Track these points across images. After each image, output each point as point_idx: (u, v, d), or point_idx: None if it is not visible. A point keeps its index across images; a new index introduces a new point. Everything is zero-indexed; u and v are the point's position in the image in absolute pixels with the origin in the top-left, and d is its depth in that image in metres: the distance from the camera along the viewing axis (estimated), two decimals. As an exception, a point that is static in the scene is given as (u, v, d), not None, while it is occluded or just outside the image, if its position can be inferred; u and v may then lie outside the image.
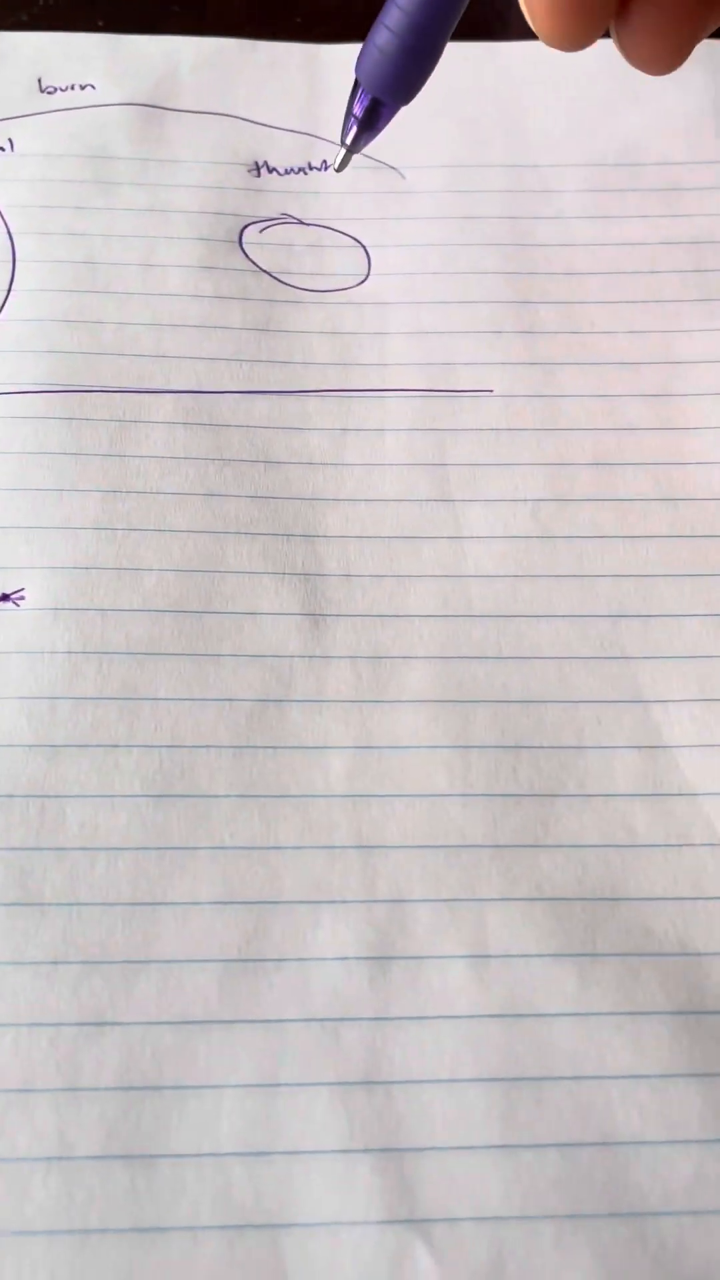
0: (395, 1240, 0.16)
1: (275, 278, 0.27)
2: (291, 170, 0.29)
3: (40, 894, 0.19)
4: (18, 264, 0.27)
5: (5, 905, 0.19)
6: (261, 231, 0.28)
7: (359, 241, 0.28)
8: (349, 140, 0.23)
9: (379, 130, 0.23)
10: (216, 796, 0.20)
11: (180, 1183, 0.17)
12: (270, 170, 0.29)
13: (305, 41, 0.33)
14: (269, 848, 0.19)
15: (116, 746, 0.20)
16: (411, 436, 0.25)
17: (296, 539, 0.23)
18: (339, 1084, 0.17)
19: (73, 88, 0.30)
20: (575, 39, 0.21)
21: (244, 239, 0.28)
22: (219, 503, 0.23)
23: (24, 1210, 0.16)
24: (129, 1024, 0.18)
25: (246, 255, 0.27)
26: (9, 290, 0.26)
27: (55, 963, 0.18)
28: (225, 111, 0.30)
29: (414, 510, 0.24)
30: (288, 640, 0.22)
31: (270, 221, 0.28)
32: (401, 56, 0.21)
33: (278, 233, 0.28)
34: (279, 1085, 0.17)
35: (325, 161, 0.29)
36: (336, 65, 0.31)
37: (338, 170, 0.24)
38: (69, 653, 0.21)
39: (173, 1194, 0.16)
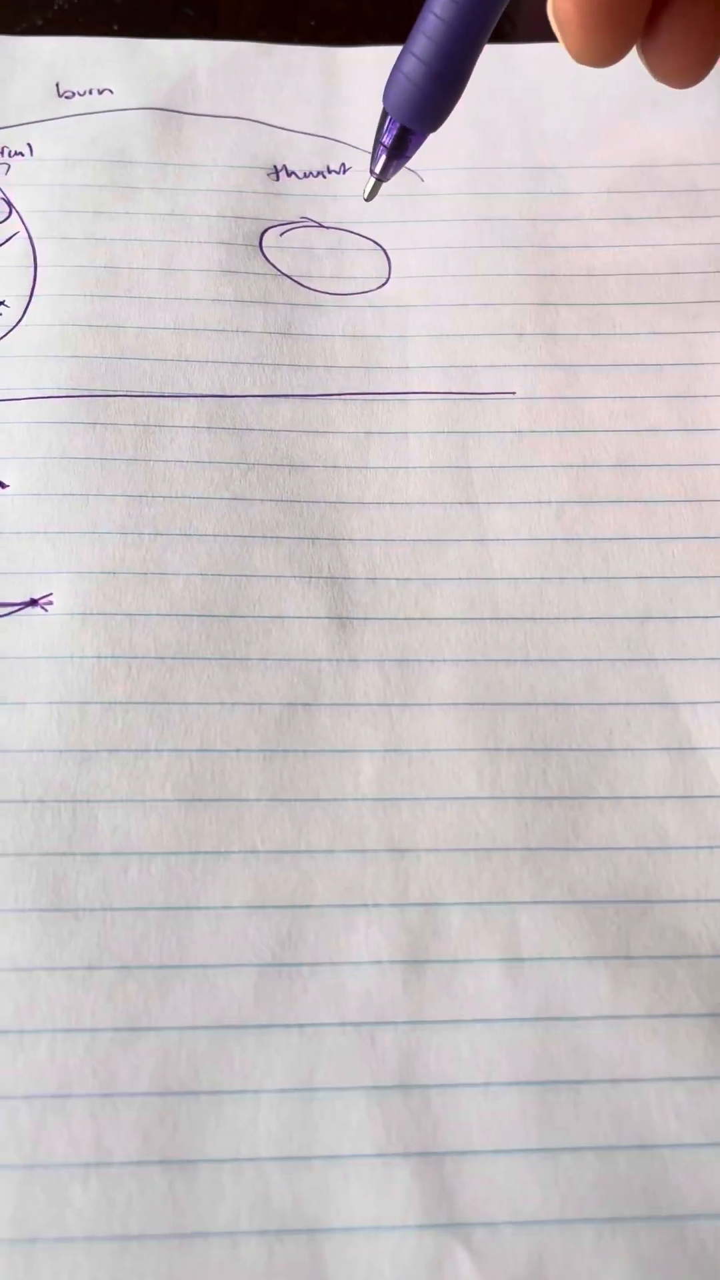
0: (434, 1244, 0.16)
1: (296, 281, 0.27)
2: (310, 174, 0.29)
3: (74, 899, 0.19)
4: (39, 269, 0.27)
5: (39, 911, 0.19)
6: (281, 235, 0.28)
7: (379, 244, 0.28)
8: (378, 169, 0.23)
9: (408, 158, 0.23)
10: (247, 800, 0.20)
11: (219, 1188, 0.17)
12: (289, 174, 0.29)
13: (317, 44, 0.34)
14: (301, 851, 0.19)
15: (147, 751, 0.20)
16: (435, 439, 0.25)
17: (322, 542, 0.23)
18: (375, 1088, 0.17)
19: (90, 92, 0.30)
20: (605, 55, 0.21)
21: (264, 242, 0.28)
22: (244, 506, 0.23)
23: (64, 1217, 0.16)
24: (164, 1029, 0.18)
25: (267, 259, 0.27)
26: (31, 295, 0.26)
27: (90, 968, 0.18)
28: (243, 115, 0.30)
29: (438, 513, 0.24)
30: (315, 644, 0.22)
31: (290, 225, 0.28)
32: (430, 84, 0.21)
33: (298, 236, 0.28)
34: (315, 1090, 0.17)
35: (344, 164, 0.29)
36: (352, 69, 0.31)
37: (367, 199, 0.24)
38: (98, 657, 0.21)
39: (212, 1199, 0.16)
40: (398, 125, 0.22)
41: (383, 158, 0.23)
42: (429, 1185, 0.17)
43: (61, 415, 0.24)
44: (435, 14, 0.21)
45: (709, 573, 0.23)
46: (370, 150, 0.23)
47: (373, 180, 0.24)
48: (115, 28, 0.34)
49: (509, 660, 0.22)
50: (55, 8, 0.35)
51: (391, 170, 0.23)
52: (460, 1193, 0.17)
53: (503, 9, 0.21)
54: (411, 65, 0.21)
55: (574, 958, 0.18)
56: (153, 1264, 0.16)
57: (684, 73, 0.22)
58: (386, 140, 0.22)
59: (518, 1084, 0.17)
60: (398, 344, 0.26)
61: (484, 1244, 0.16)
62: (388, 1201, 0.16)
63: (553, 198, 0.29)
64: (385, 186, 0.29)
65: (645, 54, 0.21)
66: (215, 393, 0.25)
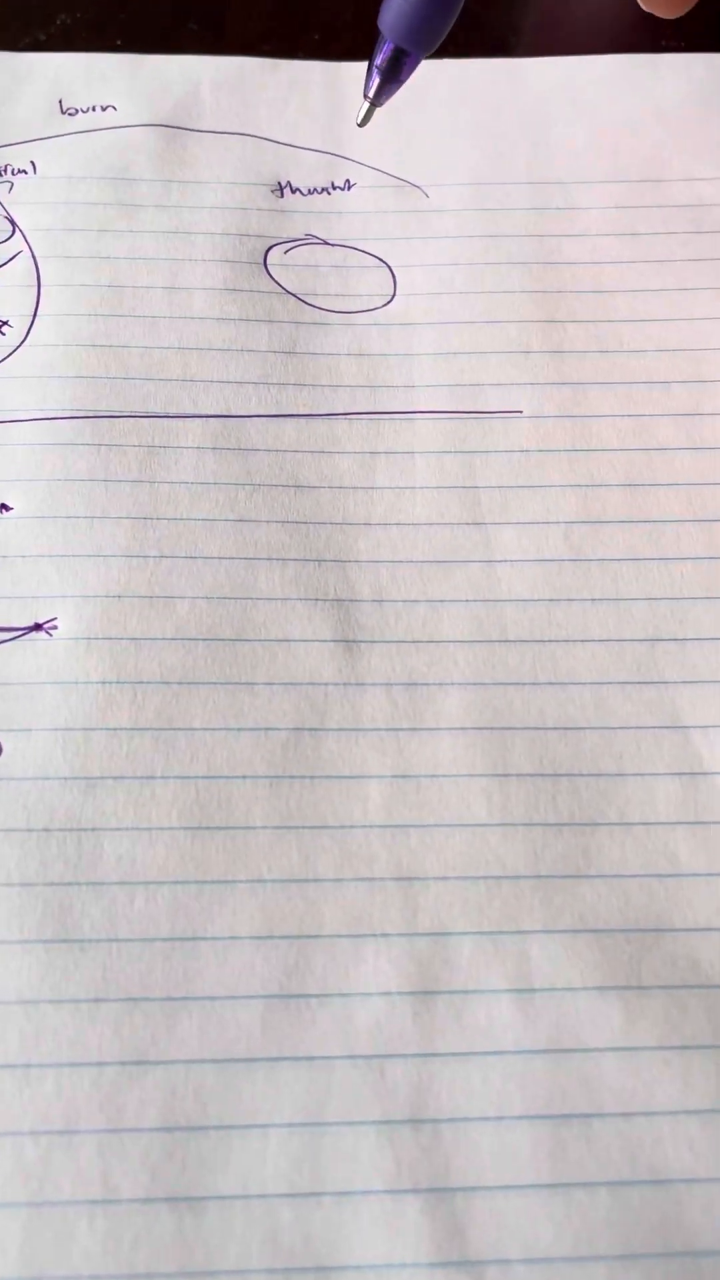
0: (446, 1283, 0.16)
1: (301, 299, 0.27)
2: (315, 190, 0.29)
3: (79, 930, 0.19)
4: (43, 288, 0.27)
5: (44, 942, 0.18)
6: (286, 252, 0.28)
7: (384, 262, 0.28)
8: (371, 93, 0.24)
9: (402, 81, 0.23)
10: (254, 828, 0.20)
11: (228, 1225, 0.16)
12: (294, 190, 0.29)
13: (323, 58, 0.33)
14: (308, 880, 0.19)
15: (153, 778, 0.20)
16: (441, 459, 0.24)
17: (328, 564, 0.23)
18: (385, 1122, 0.17)
19: (94, 109, 0.30)
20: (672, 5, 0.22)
21: (269, 260, 0.28)
22: (250, 528, 0.23)
23: (71, 1255, 0.16)
24: (171, 1062, 0.17)
25: (271, 277, 0.27)
26: (34, 315, 0.26)
27: (96, 1000, 0.18)
28: (247, 131, 0.30)
29: (445, 534, 0.23)
30: (321, 667, 0.22)
31: (295, 242, 0.28)
32: (425, 4, 0.22)
33: (302, 254, 0.28)
34: (325, 1124, 0.17)
35: (349, 180, 0.29)
36: (357, 84, 0.31)
37: (360, 124, 0.24)
38: (103, 683, 0.21)
39: (221, 1237, 0.16)
40: (392, 47, 0.23)
41: (377, 80, 0.23)
42: (440, 1222, 0.16)
43: (66, 437, 0.24)
44: None
45: (719, 594, 0.23)
46: (365, 74, 0.24)
47: (366, 104, 0.24)
48: (119, 43, 0.34)
49: (518, 683, 0.21)
50: (58, 23, 0.35)
51: (385, 94, 0.24)
52: (472, 1229, 0.16)
53: None
54: None
55: (585, 988, 0.18)
56: (161, 1304, 0.16)
57: (671, 1, 0.23)
58: (380, 62, 0.23)
59: (529, 1117, 0.17)
60: (403, 362, 0.26)
61: (496, 1283, 0.16)
62: (399, 1238, 0.16)
63: (559, 213, 0.28)
64: (390, 203, 0.29)
65: None
66: (220, 413, 0.25)
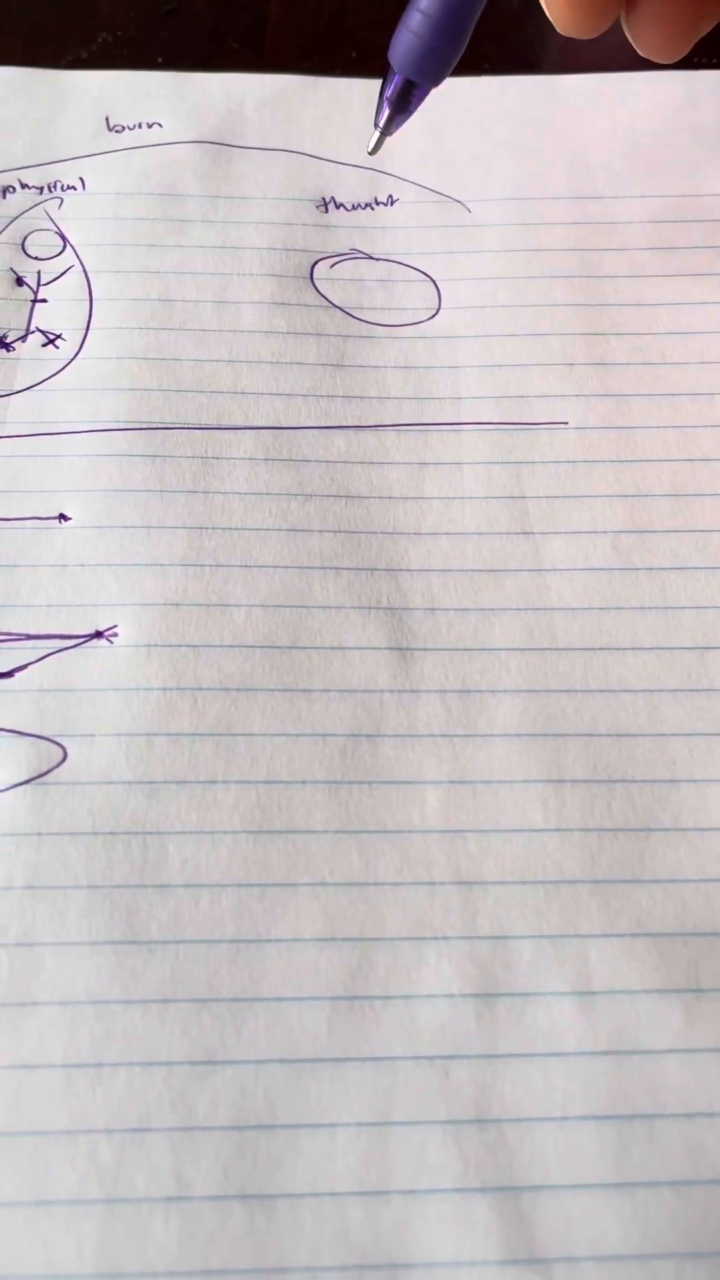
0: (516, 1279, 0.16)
1: (347, 313, 0.27)
2: (358, 205, 0.29)
3: (147, 931, 0.19)
4: (95, 302, 0.27)
5: (113, 943, 0.19)
6: (332, 267, 0.28)
7: (428, 276, 0.28)
8: (382, 123, 0.25)
9: (411, 111, 0.24)
10: (314, 832, 0.20)
11: (299, 1223, 0.17)
12: (338, 206, 0.29)
13: (360, 76, 0.34)
14: (369, 884, 0.20)
15: (214, 782, 0.20)
16: (489, 469, 0.25)
17: (380, 573, 0.23)
18: (451, 1122, 0.17)
19: (140, 126, 0.31)
20: (587, 27, 0.23)
21: (315, 274, 0.28)
22: (302, 538, 0.24)
23: (146, 1251, 0.16)
24: (240, 1062, 0.18)
25: (318, 290, 0.28)
26: (87, 328, 0.27)
27: (165, 1001, 0.18)
28: (290, 148, 0.31)
29: (495, 543, 0.24)
30: (377, 674, 0.22)
31: (340, 257, 0.28)
32: (433, 39, 0.23)
33: (348, 268, 0.28)
34: (392, 1124, 0.17)
35: (391, 196, 0.30)
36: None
37: (371, 153, 0.25)
38: (163, 689, 0.21)
39: (292, 1234, 0.17)
40: (401, 79, 0.24)
41: (387, 111, 0.24)
42: (508, 1220, 0.17)
43: (120, 448, 0.25)
44: None
45: (766, 602, 0.23)
46: (375, 104, 0.25)
47: (376, 133, 0.25)
48: (160, 60, 0.35)
49: (569, 690, 0.22)
50: (99, 41, 0.35)
51: (395, 124, 0.25)
52: (539, 1227, 0.17)
53: None
54: (417, 21, 0.23)
55: (645, 991, 0.18)
56: (235, 1299, 0.16)
57: (664, 47, 0.23)
58: (390, 94, 0.24)
59: (593, 1118, 0.17)
60: (449, 375, 0.26)
61: (565, 1279, 0.16)
62: (468, 1236, 0.17)
63: (598, 227, 0.29)
64: (433, 218, 0.29)
65: (628, 28, 0.23)
66: (271, 424, 0.25)
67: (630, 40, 0.23)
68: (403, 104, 0.24)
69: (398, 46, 0.23)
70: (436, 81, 0.24)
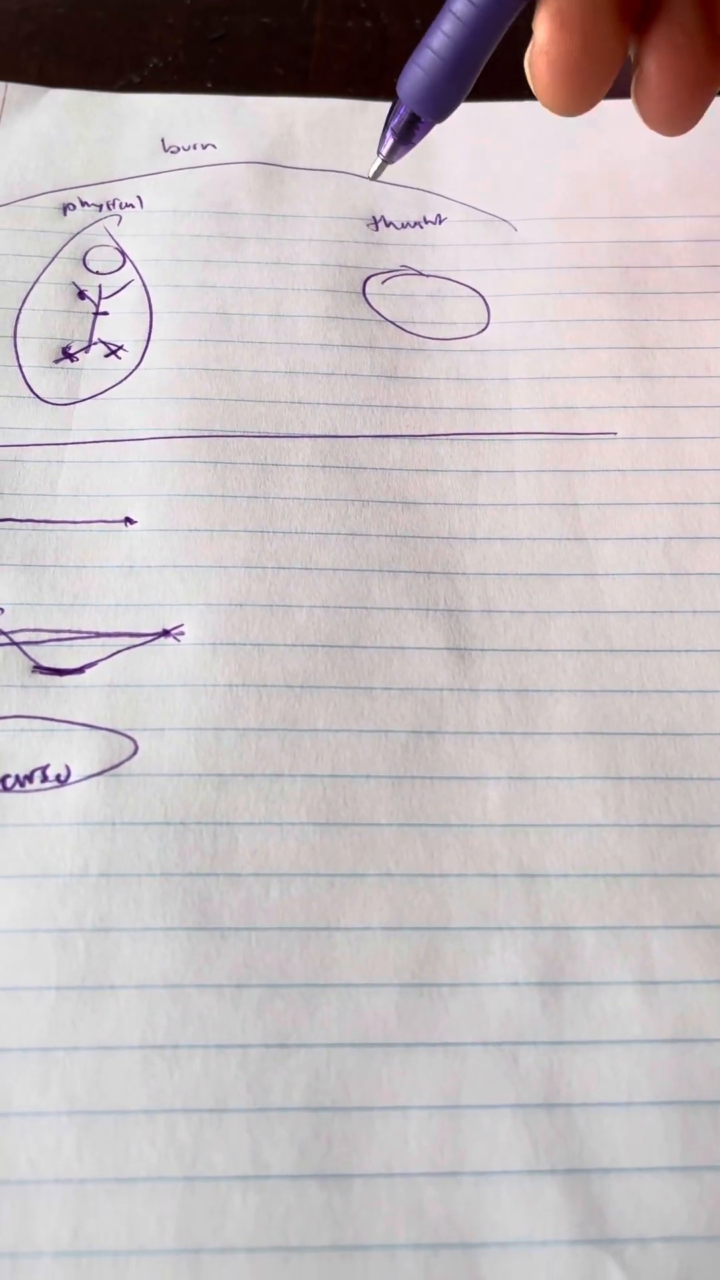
0: (588, 1260, 0.17)
1: (400, 327, 0.28)
2: (408, 224, 0.30)
3: (219, 919, 0.19)
4: (155, 315, 0.28)
5: (187, 930, 0.19)
6: (383, 283, 0.29)
7: (477, 291, 0.29)
8: (385, 150, 0.25)
9: (414, 144, 0.25)
10: (379, 825, 0.21)
11: (374, 1202, 0.17)
12: (388, 224, 0.30)
13: (403, 100, 0.35)
14: (434, 875, 0.20)
15: (281, 776, 0.21)
16: (540, 477, 0.25)
17: (437, 576, 0.24)
18: (520, 1106, 0.18)
19: (194, 147, 0.32)
20: (574, 107, 0.24)
21: (367, 290, 0.29)
22: (360, 542, 0.24)
23: (225, 1227, 0.17)
24: (313, 1046, 0.18)
25: (370, 305, 0.29)
26: (148, 340, 0.27)
27: (239, 986, 0.19)
28: (340, 168, 0.32)
29: (548, 548, 0.24)
30: (436, 673, 0.22)
31: (391, 273, 0.29)
32: (442, 78, 0.24)
33: (399, 284, 0.29)
34: (462, 1107, 0.18)
35: (439, 215, 0.30)
36: (442, 124, 0.33)
37: (371, 178, 0.26)
38: (229, 685, 0.22)
39: (368, 1213, 0.17)
40: (407, 111, 0.24)
41: (390, 141, 0.25)
42: (578, 1201, 0.17)
43: (183, 455, 0.25)
44: (454, 13, 0.23)
45: None
46: (380, 131, 0.25)
47: (379, 160, 0.26)
48: (209, 85, 0.36)
49: (625, 691, 0.22)
50: (150, 66, 0.37)
51: (398, 154, 0.25)
52: (610, 1209, 0.17)
53: (514, 17, 0.23)
54: (427, 58, 0.24)
55: (707, 980, 0.19)
56: (314, 1275, 0.16)
57: (673, 122, 0.24)
58: (395, 125, 0.25)
59: (659, 1103, 0.18)
60: (500, 386, 0.27)
61: (635, 1260, 0.17)
62: (539, 1217, 0.17)
63: (642, 245, 0.30)
64: (481, 237, 0.30)
65: (637, 104, 0.24)
66: (327, 433, 0.26)
67: (639, 115, 0.24)
68: (406, 135, 0.25)
69: (407, 80, 0.24)
70: (441, 118, 0.25)
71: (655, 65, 0.23)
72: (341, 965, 0.19)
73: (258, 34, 0.38)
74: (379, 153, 0.25)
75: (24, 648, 0.22)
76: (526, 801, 0.21)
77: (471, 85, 0.24)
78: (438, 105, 0.24)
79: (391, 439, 0.26)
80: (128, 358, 0.27)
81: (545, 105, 0.23)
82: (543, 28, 0.22)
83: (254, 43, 0.38)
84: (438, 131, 0.33)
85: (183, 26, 0.38)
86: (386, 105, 0.36)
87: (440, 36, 0.23)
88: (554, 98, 0.23)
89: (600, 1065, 0.18)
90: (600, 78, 0.23)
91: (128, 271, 0.29)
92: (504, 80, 0.36)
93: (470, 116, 0.33)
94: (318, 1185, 0.17)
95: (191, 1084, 0.18)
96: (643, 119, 0.24)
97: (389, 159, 0.26)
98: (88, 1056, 0.18)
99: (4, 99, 0.33)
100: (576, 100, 0.23)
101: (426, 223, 0.30)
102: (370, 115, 0.33)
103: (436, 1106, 0.18)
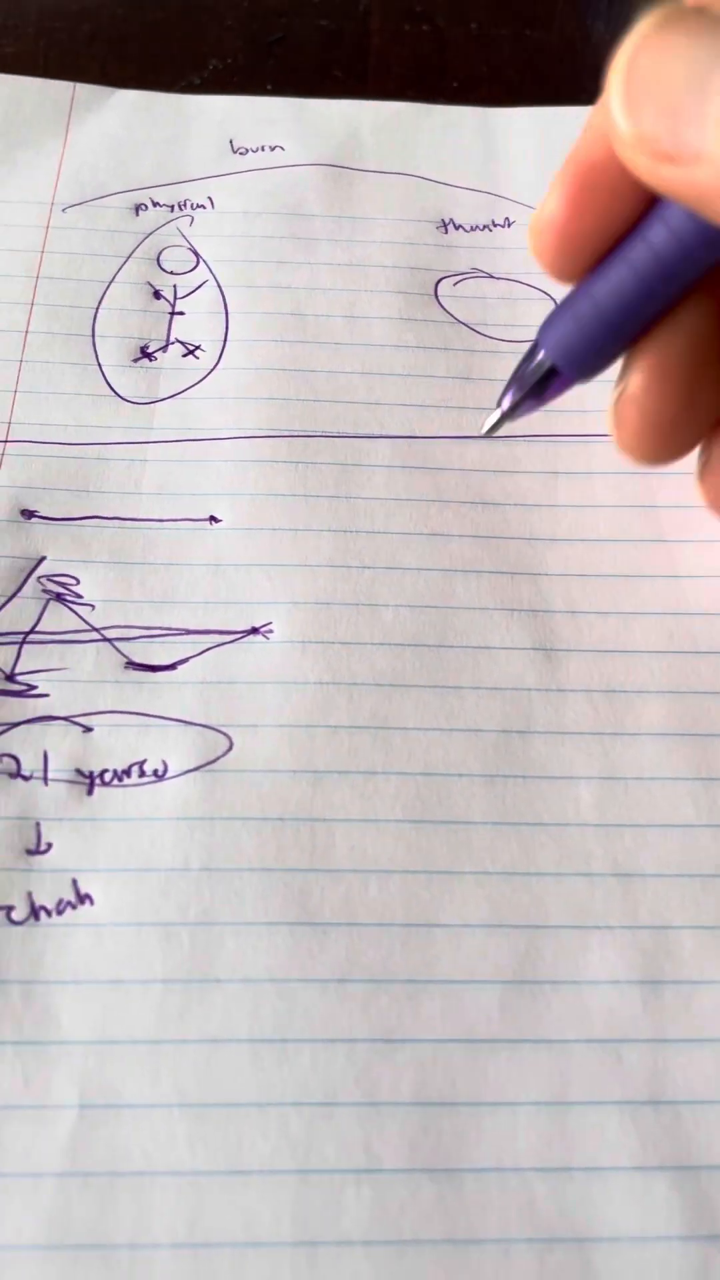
0: (700, 1255, 0.17)
1: (472, 329, 0.28)
2: (477, 227, 0.31)
3: (320, 914, 0.20)
4: (230, 315, 0.28)
5: (289, 924, 0.19)
6: (455, 285, 0.29)
7: (548, 295, 0.29)
8: (507, 404, 0.21)
9: (546, 402, 0.21)
10: (474, 823, 0.21)
11: (486, 1196, 0.17)
12: (457, 227, 0.30)
13: (465, 104, 0.35)
14: (530, 874, 0.20)
15: (374, 773, 0.21)
16: (619, 479, 0.26)
17: (521, 577, 0.24)
18: (626, 1103, 0.18)
19: (263, 149, 0.32)
20: (662, 460, 0.20)
21: (439, 292, 0.29)
22: (443, 542, 0.24)
23: (341, 1221, 0.17)
24: (419, 1041, 0.18)
25: (443, 307, 0.29)
26: (225, 340, 0.28)
27: (342, 981, 0.19)
28: (407, 171, 0.32)
29: (630, 550, 0.25)
30: (524, 674, 0.23)
31: (462, 275, 0.29)
32: (601, 334, 0.19)
33: (470, 286, 0.29)
34: (569, 1104, 0.18)
35: (508, 219, 0.31)
36: (506, 127, 0.33)
37: (485, 434, 0.21)
38: (319, 683, 0.22)
39: (480, 1207, 0.17)
40: (549, 362, 0.20)
41: (517, 394, 0.20)
42: (689, 1198, 0.17)
43: (265, 455, 0.25)
44: (628, 261, 0.18)
45: None
46: (505, 383, 0.21)
47: (497, 413, 0.21)
48: (269, 87, 0.36)
49: (713, 692, 0.22)
50: (210, 68, 0.37)
51: (522, 410, 0.21)
52: (719, 1205, 0.17)
53: (706, 271, 0.18)
54: (586, 309, 0.19)
55: None
56: (430, 1268, 0.17)
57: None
58: (526, 374, 0.20)
59: (764, 1102, 0.18)
60: (575, 389, 0.27)
61: (750, 1256, 0.17)
62: (650, 1213, 0.17)
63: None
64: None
65: (700, 484, 0.21)
66: (406, 434, 0.26)
67: (701, 495, 0.21)
68: (539, 389, 0.20)
69: (555, 329, 0.20)
70: (589, 377, 0.20)
71: None
72: (443, 961, 0.19)
73: (315, 36, 0.39)
74: (499, 404, 0.21)
75: (116, 644, 0.22)
76: (619, 801, 0.21)
77: (633, 337, 0.19)
78: (589, 363, 0.20)
79: (469, 440, 0.26)
80: (205, 358, 0.27)
81: (627, 455, 0.20)
82: (637, 375, 0.19)
83: (312, 45, 0.38)
84: (505, 136, 0.33)
85: (241, 28, 0.38)
86: (451, 108, 0.37)
87: (606, 285, 0.19)
88: (640, 450, 0.20)
89: (704, 1063, 0.18)
90: (696, 433, 0.20)
91: (201, 272, 0.29)
92: (569, 83, 0.36)
93: (536, 120, 0.33)
94: (429, 1179, 0.17)
95: (301, 1077, 0.18)
96: (704, 499, 0.21)
97: (510, 414, 0.21)
98: (196, 1049, 0.18)
99: (72, 99, 0.33)
100: (666, 454, 0.20)
101: (495, 226, 0.31)
102: (435, 118, 0.33)
103: (544, 1103, 0.18)
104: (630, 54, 0.16)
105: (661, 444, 0.20)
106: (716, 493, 0.21)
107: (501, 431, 0.21)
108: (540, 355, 0.20)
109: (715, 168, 0.15)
